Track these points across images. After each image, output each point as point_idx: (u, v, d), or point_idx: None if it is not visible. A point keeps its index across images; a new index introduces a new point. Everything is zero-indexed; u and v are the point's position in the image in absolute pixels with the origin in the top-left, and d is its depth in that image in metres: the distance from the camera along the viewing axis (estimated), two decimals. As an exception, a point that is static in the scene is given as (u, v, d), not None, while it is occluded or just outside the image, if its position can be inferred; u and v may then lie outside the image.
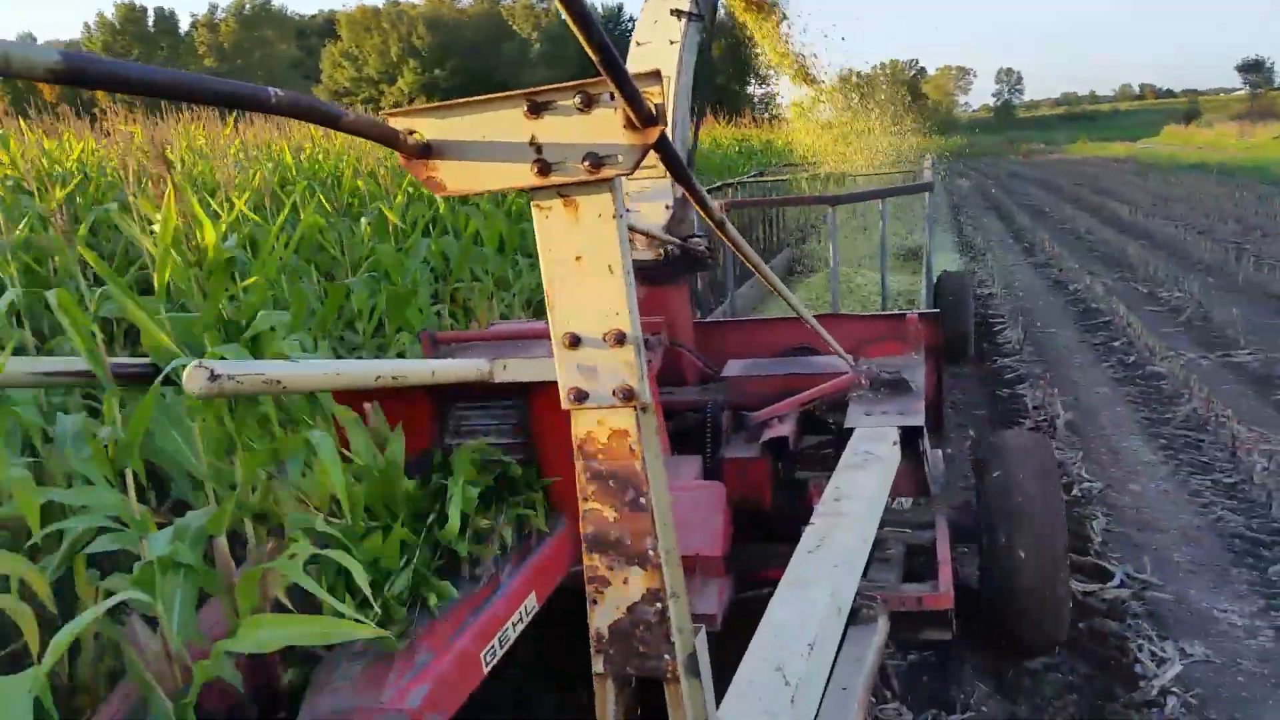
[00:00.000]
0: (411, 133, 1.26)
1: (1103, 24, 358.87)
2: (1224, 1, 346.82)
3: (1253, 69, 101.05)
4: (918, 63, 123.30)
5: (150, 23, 78.87)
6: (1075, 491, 5.00)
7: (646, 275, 4.37)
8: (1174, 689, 3.33)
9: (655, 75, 1.16)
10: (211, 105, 0.92)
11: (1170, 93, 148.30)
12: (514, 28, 72.51)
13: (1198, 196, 20.51)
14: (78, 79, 0.73)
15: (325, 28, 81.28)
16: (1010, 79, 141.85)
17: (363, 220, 5.07)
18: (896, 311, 4.85)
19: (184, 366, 1.63)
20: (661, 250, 4.42)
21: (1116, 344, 8.43)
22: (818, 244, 13.39)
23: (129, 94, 0.81)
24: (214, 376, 1.58)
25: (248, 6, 79.08)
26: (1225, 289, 10.20)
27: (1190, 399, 6.48)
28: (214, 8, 79.62)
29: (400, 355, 4.73)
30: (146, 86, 0.81)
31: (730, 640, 2.15)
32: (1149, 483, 5.26)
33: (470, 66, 65.55)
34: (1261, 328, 8.32)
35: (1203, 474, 5.31)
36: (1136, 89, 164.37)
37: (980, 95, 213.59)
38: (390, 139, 1.23)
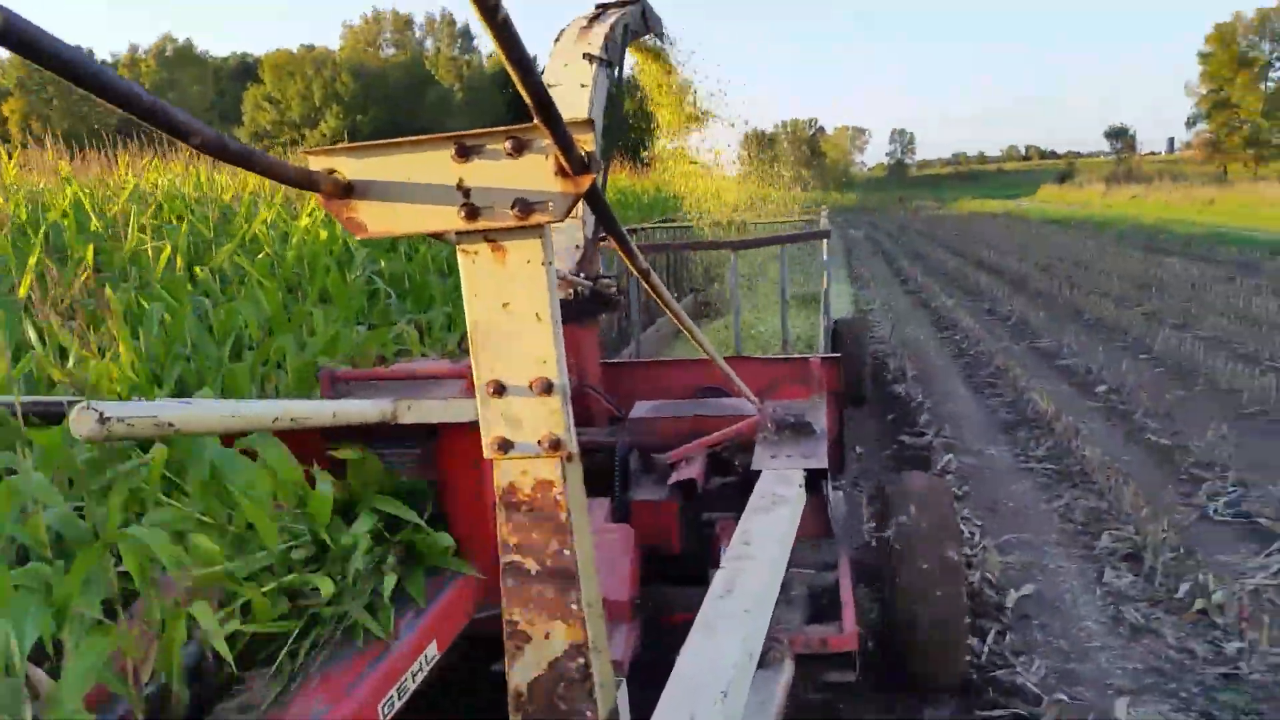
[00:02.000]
0: (332, 172, 1.24)
1: (995, 89, 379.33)
2: (1100, 75, 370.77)
3: (1117, 135, 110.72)
4: (817, 122, 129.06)
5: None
6: (912, 404, 8.00)
7: None
8: (950, 471, 6.26)
9: (589, 124, 1.19)
10: (139, 117, 0.84)
11: (1054, 154, 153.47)
12: (436, 77, 74.92)
13: (1049, 244, 24.37)
14: (15, 45, 0.69)
15: (239, 70, 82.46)
16: (903, 139, 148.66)
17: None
18: (800, 355, 4.99)
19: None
20: (571, 290, 4.35)
21: (957, 338, 11.63)
22: (721, 289, 13.63)
23: (58, 73, 0.75)
24: (103, 419, 1.50)
25: (169, 48, 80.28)
26: (1046, 307, 13.47)
27: (995, 364, 9.60)
28: (134, 48, 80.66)
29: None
30: (77, 74, 0.76)
31: (633, 683, 2.16)
32: (959, 403, 8.30)
33: (393, 113, 66.89)
34: (1062, 329, 11.52)
35: (995, 399, 8.37)
36: (1023, 150, 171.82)
37: (876, 154, 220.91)
38: (306, 182, 1.22)
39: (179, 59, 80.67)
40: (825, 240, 8.45)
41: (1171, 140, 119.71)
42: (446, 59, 76.01)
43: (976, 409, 8.08)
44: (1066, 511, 5.56)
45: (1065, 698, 3.61)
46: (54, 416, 1.89)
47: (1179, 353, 9.45)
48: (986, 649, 3.97)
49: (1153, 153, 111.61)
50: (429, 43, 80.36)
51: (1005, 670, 3.80)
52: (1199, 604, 4.24)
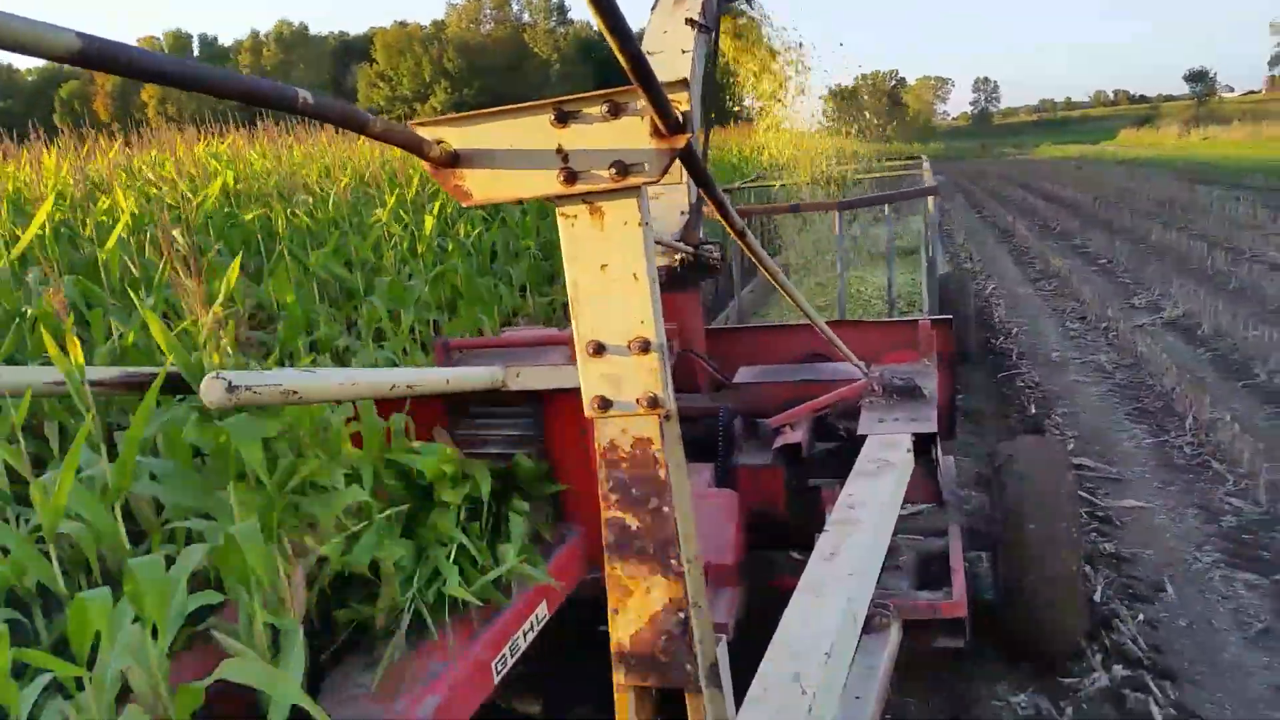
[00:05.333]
0: (439, 142, 1.27)
1: (1084, 32, 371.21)
2: (1190, 17, 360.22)
3: (1197, 78, 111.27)
4: (898, 73, 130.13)
5: (196, 48, 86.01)
6: (988, 291, 12.57)
7: (660, 282, 2.96)
8: (1012, 330, 10.81)
9: (683, 83, 1.19)
10: (237, 100, 0.95)
11: (1143, 98, 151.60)
12: (535, 50, 79.34)
13: (1106, 180, 28.29)
14: (96, 63, 0.73)
15: (339, 49, 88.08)
16: (987, 88, 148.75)
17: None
18: (908, 318, 4.89)
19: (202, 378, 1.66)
20: (675, 257, 4.39)
21: (1013, 240, 16.17)
22: (809, 239, 12.92)
23: (153, 83, 0.80)
24: (232, 387, 1.59)
25: (286, 32, 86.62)
26: (1085, 221, 17.73)
27: (1046, 261, 14.08)
28: (255, 33, 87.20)
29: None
30: (165, 77, 0.81)
31: (741, 647, 2.14)
32: (1007, 270, 12.92)
33: (495, 86, 70.63)
34: (1089, 232, 15.87)
35: (1030, 269, 12.94)
36: (1111, 95, 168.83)
37: (959, 104, 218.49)
38: (417, 147, 1.25)
39: (295, 41, 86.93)
40: (932, 198, 8.46)
41: (1273, 79, 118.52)
42: (544, 32, 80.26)
43: (1017, 273, 12.71)
44: (1057, 308, 10.20)
45: (1030, 353, 8.31)
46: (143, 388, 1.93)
47: (1164, 241, 13.83)
48: (1000, 341, 8.64)
49: (1251, 91, 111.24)
50: (525, 16, 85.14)
51: (1006, 342, 8.49)
52: (1105, 325, 8.87)
